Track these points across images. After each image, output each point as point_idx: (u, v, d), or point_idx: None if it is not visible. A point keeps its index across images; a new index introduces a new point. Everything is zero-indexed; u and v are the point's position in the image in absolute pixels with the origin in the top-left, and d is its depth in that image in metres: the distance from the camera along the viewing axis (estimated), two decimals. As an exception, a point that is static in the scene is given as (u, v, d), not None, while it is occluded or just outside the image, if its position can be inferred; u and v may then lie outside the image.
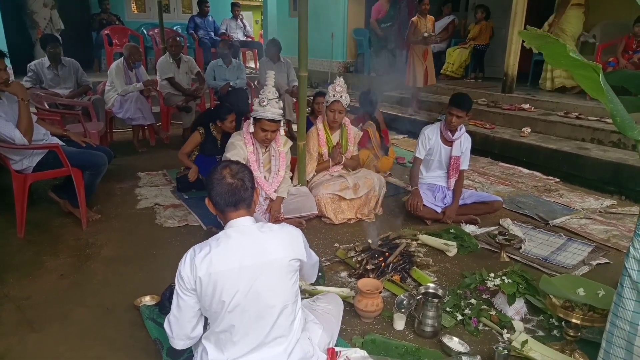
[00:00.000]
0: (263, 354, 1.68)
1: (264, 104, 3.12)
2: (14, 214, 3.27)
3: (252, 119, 3.24)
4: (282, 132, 3.35)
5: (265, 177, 3.40)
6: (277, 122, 3.19)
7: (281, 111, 3.22)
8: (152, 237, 3.34)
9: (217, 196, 1.71)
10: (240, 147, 3.29)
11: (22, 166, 3.26)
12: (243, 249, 1.65)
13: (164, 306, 2.36)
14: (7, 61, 3.17)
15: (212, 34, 9.35)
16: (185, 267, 1.64)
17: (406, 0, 8.92)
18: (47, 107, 4.82)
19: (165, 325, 1.76)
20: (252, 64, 11.13)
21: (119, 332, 2.29)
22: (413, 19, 6.58)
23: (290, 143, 3.60)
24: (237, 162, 1.81)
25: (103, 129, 5.03)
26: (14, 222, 3.29)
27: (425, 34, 6.45)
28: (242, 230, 1.69)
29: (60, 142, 3.45)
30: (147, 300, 2.49)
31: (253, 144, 3.32)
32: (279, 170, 3.44)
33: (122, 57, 5.55)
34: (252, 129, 3.27)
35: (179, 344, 1.75)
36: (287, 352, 1.71)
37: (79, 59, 5.64)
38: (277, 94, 3.21)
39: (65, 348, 2.17)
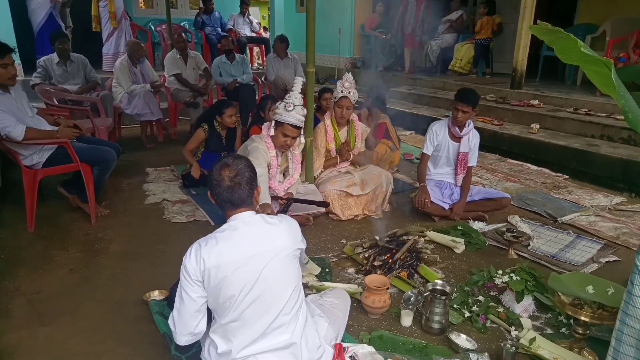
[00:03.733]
0: (269, 341, 1.70)
1: (290, 109, 3.10)
2: (24, 208, 3.30)
3: (273, 122, 3.22)
4: (302, 139, 3.32)
5: (280, 181, 3.43)
6: (299, 128, 3.19)
7: (304, 118, 3.21)
8: (161, 233, 3.36)
9: (216, 196, 1.74)
10: (265, 152, 3.26)
11: (32, 161, 3.29)
12: (250, 238, 1.68)
13: (172, 301, 2.35)
14: (17, 57, 3.19)
15: (219, 29, 9.35)
16: (190, 260, 1.65)
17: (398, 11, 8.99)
18: (56, 102, 4.85)
19: (169, 321, 1.76)
20: (259, 60, 11.14)
21: (128, 326, 2.31)
22: None
23: (302, 145, 3.59)
24: (238, 159, 1.77)
25: (111, 125, 5.06)
26: (24, 217, 3.32)
27: None
28: (246, 221, 1.72)
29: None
30: (156, 295, 2.51)
31: (274, 147, 3.30)
32: (293, 174, 3.48)
33: (126, 55, 5.56)
34: (272, 132, 3.23)
35: (182, 339, 1.74)
36: (293, 339, 1.72)
37: (88, 55, 5.67)
38: (303, 101, 3.18)
39: (74, 342, 2.19)
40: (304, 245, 1.89)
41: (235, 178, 1.70)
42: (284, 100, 3.17)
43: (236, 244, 1.66)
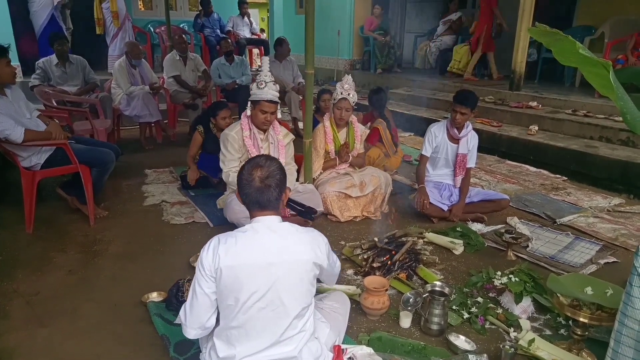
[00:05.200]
0: (272, 351, 1.69)
1: (262, 86, 3.19)
2: (23, 210, 3.30)
3: (250, 103, 3.28)
4: (279, 115, 3.37)
5: None
6: (275, 103, 3.26)
7: (278, 94, 3.30)
8: (159, 234, 3.36)
9: (244, 196, 1.72)
10: (233, 139, 3.31)
11: (31, 163, 3.29)
12: (270, 245, 1.65)
13: (170, 302, 2.38)
14: (16, 59, 3.20)
15: (218, 31, 9.36)
16: (208, 254, 1.63)
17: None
18: (54, 104, 4.85)
19: (181, 313, 1.74)
20: (259, 62, 11.15)
21: (126, 327, 2.31)
22: None
23: (291, 137, 3.60)
24: (270, 160, 1.76)
25: (110, 126, 5.06)
26: (23, 218, 3.31)
27: None
28: (269, 227, 1.69)
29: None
30: (154, 296, 2.50)
31: (250, 128, 3.35)
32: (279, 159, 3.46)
33: (124, 56, 5.57)
34: (249, 113, 3.31)
35: (191, 332, 1.72)
36: (297, 351, 1.71)
37: (90, 58, 5.68)
38: (273, 78, 3.28)
39: (73, 343, 2.19)
40: (326, 265, 1.79)
41: (266, 180, 1.69)
42: (255, 80, 3.27)
43: (255, 248, 1.64)
